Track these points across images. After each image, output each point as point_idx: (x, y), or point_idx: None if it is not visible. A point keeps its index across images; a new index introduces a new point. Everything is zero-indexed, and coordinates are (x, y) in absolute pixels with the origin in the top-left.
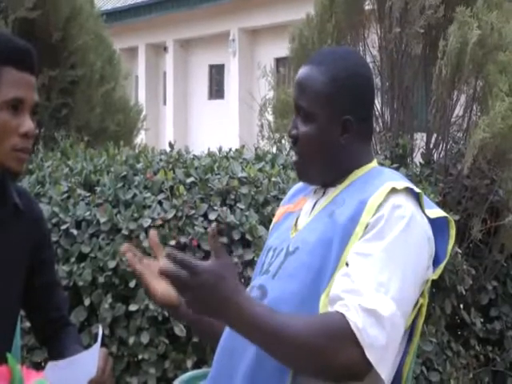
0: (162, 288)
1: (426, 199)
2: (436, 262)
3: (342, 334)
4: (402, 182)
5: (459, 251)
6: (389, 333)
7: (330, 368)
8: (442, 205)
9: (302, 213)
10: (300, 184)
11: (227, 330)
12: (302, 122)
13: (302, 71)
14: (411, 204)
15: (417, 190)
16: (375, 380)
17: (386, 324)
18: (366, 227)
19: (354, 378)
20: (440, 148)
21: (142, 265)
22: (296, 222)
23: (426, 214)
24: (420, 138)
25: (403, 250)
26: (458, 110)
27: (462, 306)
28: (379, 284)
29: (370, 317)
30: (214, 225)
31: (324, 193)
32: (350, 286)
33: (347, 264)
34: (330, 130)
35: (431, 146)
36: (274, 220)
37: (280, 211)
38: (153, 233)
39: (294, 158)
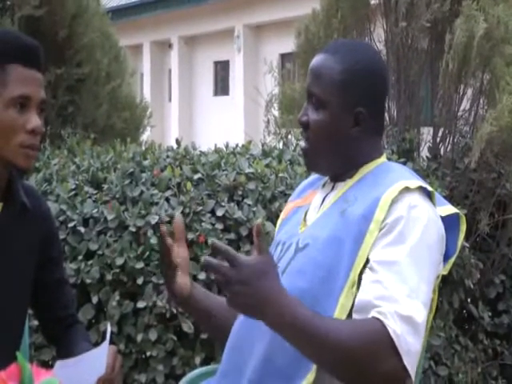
0: (177, 278)
1: (437, 196)
2: (446, 257)
3: (381, 341)
4: (415, 181)
5: (467, 245)
6: (421, 339)
7: (368, 374)
8: (449, 199)
9: (311, 207)
10: (309, 180)
11: (236, 327)
12: (314, 109)
13: (317, 59)
14: (426, 203)
15: (429, 188)
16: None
17: (421, 330)
18: (383, 226)
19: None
20: (447, 142)
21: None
22: (305, 216)
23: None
24: (427, 132)
25: (425, 252)
26: (465, 104)
27: (469, 300)
28: (411, 290)
29: (407, 324)
30: (259, 220)
31: (333, 187)
32: (384, 292)
33: (371, 269)
34: (341, 120)
35: (438, 140)
36: (282, 215)
37: (288, 207)
38: (179, 217)
39: (303, 145)
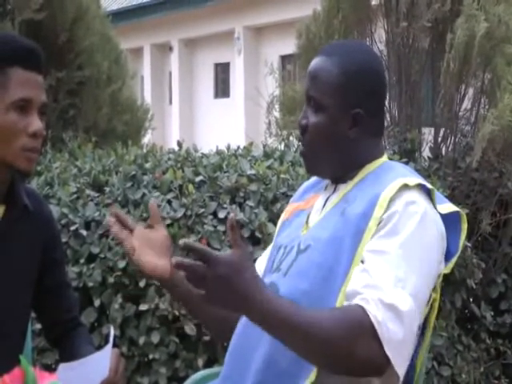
0: (152, 259)
1: (437, 194)
2: (448, 257)
3: (361, 326)
4: (414, 178)
5: (469, 245)
6: (406, 328)
7: (348, 361)
8: (450, 199)
9: (313, 210)
10: (310, 181)
11: (238, 329)
12: (313, 112)
13: (314, 62)
14: (424, 200)
15: (429, 185)
16: (390, 375)
17: (405, 319)
18: (380, 222)
19: (373, 373)
20: (448, 142)
21: (136, 232)
22: (307, 219)
23: (437, 210)
24: (428, 132)
25: (418, 245)
26: (466, 104)
27: (471, 299)
28: (397, 279)
29: (390, 311)
30: (232, 215)
31: (335, 189)
32: (369, 281)
33: (363, 261)
34: (339, 122)
35: (439, 139)
36: (284, 217)
37: (289, 208)
38: (153, 201)
39: (302, 149)
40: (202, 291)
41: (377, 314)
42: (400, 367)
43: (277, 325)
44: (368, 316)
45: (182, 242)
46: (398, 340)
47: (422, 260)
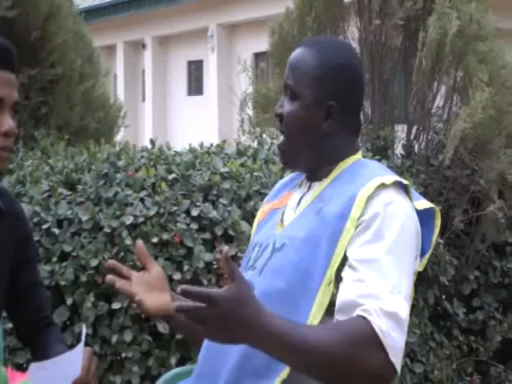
0: (154, 300)
1: (412, 191)
2: (421, 253)
3: (366, 338)
4: (390, 176)
5: (441, 242)
6: (405, 333)
7: (358, 374)
8: (423, 196)
9: (287, 208)
10: (284, 179)
11: None
12: (289, 100)
13: (295, 52)
14: (402, 198)
15: (404, 181)
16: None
17: (405, 325)
18: (360, 223)
19: (382, 382)
20: (421, 139)
21: (133, 279)
22: (282, 217)
23: (414, 206)
24: (401, 130)
25: (404, 247)
26: (439, 101)
27: (444, 296)
28: (392, 286)
29: (392, 320)
30: (226, 248)
31: (309, 187)
32: (366, 290)
33: (352, 267)
34: (312, 112)
35: (412, 137)
36: (259, 217)
37: (265, 209)
38: (139, 242)
39: (280, 139)
40: (203, 329)
41: (381, 325)
42: (399, 368)
43: (285, 348)
44: (372, 327)
45: (179, 289)
46: (401, 347)
47: (408, 261)
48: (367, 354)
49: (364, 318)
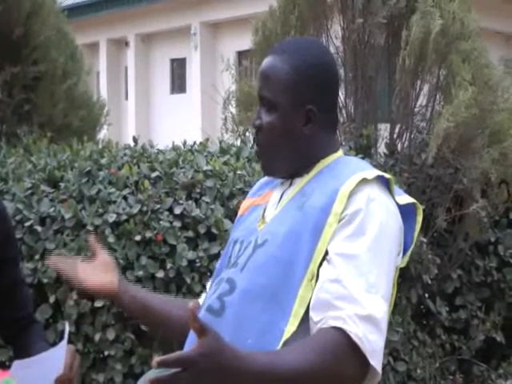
0: (97, 278)
1: (394, 186)
2: (403, 249)
3: (345, 350)
4: (372, 171)
5: (424, 240)
6: (383, 333)
7: (339, 382)
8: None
9: (268, 205)
10: (266, 178)
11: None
12: (266, 111)
13: (265, 61)
14: (384, 194)
15: (387, 176)
16: (373, 376)
17: (382, 326)
18: (342, 218)
19: (356, 382)
20: (404, 138)
21: (77, 264)
22: (263, 214)
23: (396, 201)
24: (384, 129)
25: (385, 244)
26: (422, 100)
27: (427, 295)
28: (369, 285)
29: (368, 323)
30: (191, 304)
31: (291, 183)
32: (342, 291)
33: (330, 262)
34: (292, 120)
35: (395, 136)
36: (239, 212)
37: (245, 204)
38: (92, 237)
39: (256, 149)
40: None
41: (357, 332)
42: (380, 368)
43: (267, 382)
44: (348, 336)
45: (154, 362)
46: (380, 348)
47: (389, 259)
48: (348, 364)
49: (339, 328)
